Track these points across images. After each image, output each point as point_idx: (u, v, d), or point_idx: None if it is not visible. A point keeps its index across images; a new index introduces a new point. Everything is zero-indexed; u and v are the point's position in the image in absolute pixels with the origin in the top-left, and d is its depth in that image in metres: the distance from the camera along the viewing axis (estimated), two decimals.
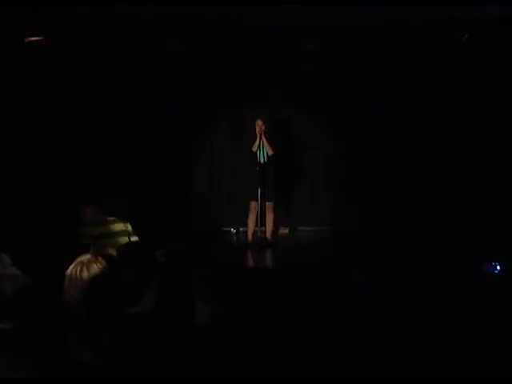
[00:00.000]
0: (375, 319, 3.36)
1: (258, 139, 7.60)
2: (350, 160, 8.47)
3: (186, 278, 3.31)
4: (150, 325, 2.66)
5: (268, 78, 8.22)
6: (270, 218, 7.73)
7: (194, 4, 7.00)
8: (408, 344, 3.15)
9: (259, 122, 7.62)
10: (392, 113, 8.00)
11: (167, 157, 8.19)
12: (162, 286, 3.01)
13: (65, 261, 2.66)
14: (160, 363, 2.48)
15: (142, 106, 7.95)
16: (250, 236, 7.80)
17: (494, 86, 7.57)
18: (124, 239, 4.89)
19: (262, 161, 7.59)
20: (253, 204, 7.65)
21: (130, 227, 5.12)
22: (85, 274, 2.54)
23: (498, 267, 4.90)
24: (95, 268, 2.57)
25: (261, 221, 7.58)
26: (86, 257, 2.62)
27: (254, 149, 7.60)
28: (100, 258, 2.62)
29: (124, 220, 5.14)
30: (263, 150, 7.59)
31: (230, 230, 8.69)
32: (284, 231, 8.77)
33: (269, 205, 7.69)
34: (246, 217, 7.72)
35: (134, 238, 5.03)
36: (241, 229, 8.48)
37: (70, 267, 2.57)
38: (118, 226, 5.07)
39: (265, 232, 7.74)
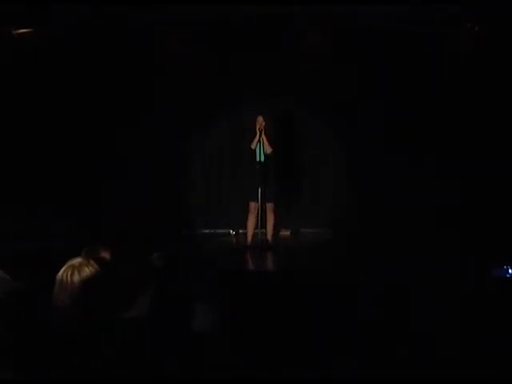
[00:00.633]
0: (379, 323, 3.32)
1: (257, 136, 7.39)
2: (354, 159, 8.39)
3: (184, 281, 3.24)
4: (145, 330, 2.58)
5: (268, 76, 8.17)
6: (270, 220, 7.52)
7: (194, 4, 7.03)
8: (414, 346, 3.13)
9: (260, 119, 7.42)
10: (395, 112, 7.96)
11: (164, 157, 8.11)
12: (157, 291, 2.93)
13: (55, 264, 2.58)
14: (156, 370, 2.42)
15: (140, 106, 7.92)
16: (249, 238, 7.57)
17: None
18: None
19: (259, 159, 7.36)
20: (252, 205, 7.43)
21: None
22: (76, 278, 2.46)
23: (511, 270, 4.83)
24: (87, 272, 2.49)
25: (261, 222, 7.34)
26: (77, 260, 2.54)
27: (253, 146, 7.39)
28: (92, 262, 2.54)
29: None
30: (262, 148, 7.38)
31: (230, 232, 8.53)
32: (285, 233, 8.59)
33: (269, 206, 7.46)
34: (246, 218, 7.52)
35: None
36: (240, 230, 8.30)
37: (61, 271, 2.50)
38: None
39: (265, 234, 7.52)
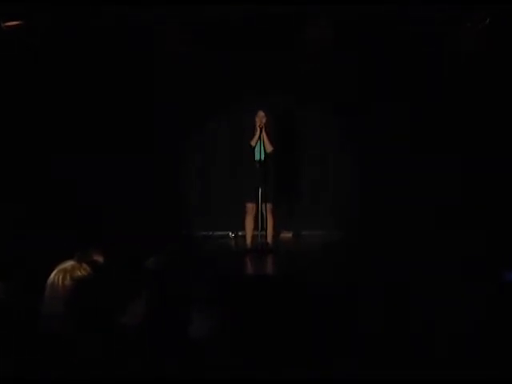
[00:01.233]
0: (380, 327, 3.30)
1: (258, 133, 7.13)
2: (356, 159, 8.36)
3: (180, 287, 3.18)
4: (138, 337, 2.51)
5: (268, 75, 8.14)
6: (269, 221, 7.25)
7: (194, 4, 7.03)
8: (415, 347, 3.13)
9: (260, 114, 7.19)
10: (395, 112, 7.94)
11: (164, 157, 8.09)
12: (152, 296, 2.85)
13: (45, 268, 2.51)
14: (152, 375, 2.37)
15: (139, 105, 7.90)
16: (248, 241, 7.36)
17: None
18: None
19: (259, 157, 7.12)
20: (249, 206, 7.21)
21: None
22: (68, 282, 2.39)
23: None
24: (79, 275, 2.42)
25: (261, 224, 7.15)
26: (69, 263, 2.47)
27: (253, 143, 7.14)
28: (84, 265, 2.47)
29: None
30: (262, 146, 7.14)
31: (228, 234, 8.38)
32: (287, 235, 8.40)
33: (268, 206, 7.21)
34: (243, 220, 7.31)
35: None
36: (239, 233, 8.10)
37: (52, 275, 2.43)
38: None
39: (265, 236, 7.26)
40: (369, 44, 7.75)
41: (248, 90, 8.16)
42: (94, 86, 7.65)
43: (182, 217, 8.25)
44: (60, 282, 2.40)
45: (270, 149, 7.16)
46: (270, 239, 7.30)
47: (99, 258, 3.17)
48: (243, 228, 7.44)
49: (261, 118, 7.15)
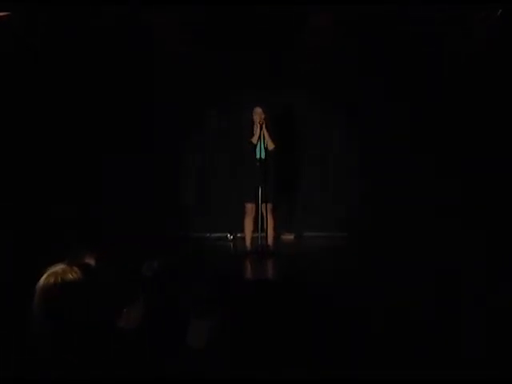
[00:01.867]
0: (382, 332, 3.28)
1: (258, 130, 6.93)
2: (357, 159, 8.31)
3: (176, 292, 3.12)
4: (134, 343, 2.46)
5: (268, 75, 8.13)
6: (269, 222, 7.02)
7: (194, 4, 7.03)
8: (415, 347, 3.12)
9: (258, 110, 7.00)
10: (395, 112, 7.92)
11: (160, 157, 8.04)
12: (148, 302, 2.79)
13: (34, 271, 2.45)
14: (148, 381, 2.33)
15: (136, 105, 7.89)
16: (248, 243, 7.17)
17: None
18: None
19: (260, 156, 6.92)
20: (249, 206, 7.02)
21: None
22: (59, 287, 2.32)
23: None
24: (71, 279, 2.35)
25: (261, 225, 6.93)
26: (60, 266, 2.39)
27: (255, 141, 6.92)
28: (76, 269, 2.41)
29: None
30: (263, 144, 6.94)
31: (227, 236, 8.24)
32: (288, 237, 8.25)
33: (269, 207, 6.99)
34: (243, 221, 7.13)
35: None
36: (238, 234, 7.94)
37: (42, 278, 2.36)
38: None
39: (265, 238, 7.02)
40: (369, 44, 7.74)
41: (248, 90, 8.14)
42: (93, 86, 7.65)
43: (181, 217, 8.22)
44: (52, 285, 2.34)
45: (272, 146, 7.02)
46: (270, 241, 7.11)
47: (91, 261, 3.10)
48: (242, 229, 7.27)
49: (259, 114, 6.98)
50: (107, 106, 7.77)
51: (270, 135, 6.99)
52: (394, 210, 7.77)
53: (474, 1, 7.11)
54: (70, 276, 2.36)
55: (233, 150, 8.07)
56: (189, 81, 8.05)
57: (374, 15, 7.41)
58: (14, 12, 6.86)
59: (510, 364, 2.98)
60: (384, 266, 5.83)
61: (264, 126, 6.94)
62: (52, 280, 2.34)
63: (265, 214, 7.01)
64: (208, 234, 8.24)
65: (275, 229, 7.21)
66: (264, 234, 7.00)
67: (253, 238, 7.11)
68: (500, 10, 7.06)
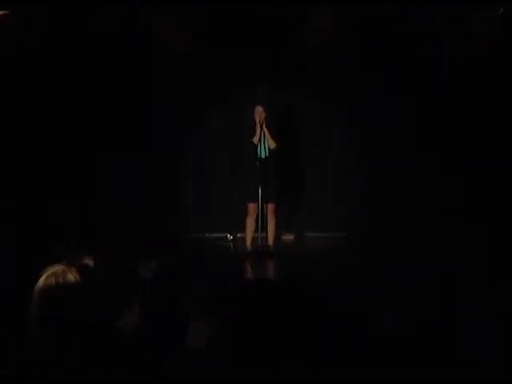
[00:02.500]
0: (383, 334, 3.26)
1: (258, 130, 6.83)
2: (357, 159, 8.28)
3: (175, 293, 3.09)
4: (133, 344, 2.44)
5: (268, 75, 8.12)
6: (271, 222, 6.95)
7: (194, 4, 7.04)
8: (414, 348, 3.11)
9: (259, 109, 6.92)
10: (395, 112, 7.92)
11: (160, 157, 8.01)
12: (146, 303, 2.77)
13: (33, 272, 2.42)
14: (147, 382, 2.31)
15: (136, 105, 7.88)
16: (248, 243, 7.08)
17: None
18: None
19: (262, 155, 6.83)
20: (251, 206, 6.93)
21: None
22: (58, 288, 2.30)
23: None
24: (72, 280, 2.33)
25: (261, 226, 6.86)
26: (59, 267, 2.38)
27: (256, 141, 6.83)
28: (74, 269, 2.39)
29: None
30: (264, 143, 6.85)
31: (226, 236, 8.19)
32: (288, 237, 8.20)
33: (270, 207, 6.92)
34: (244, 221, 7.05)
35: None
36: (238, 234, 7.89)
37: (41, 279, 2.34)
38: None
39: (266, 238, 6.95)
40: (369, 44, 7.75)
41: (248, 90, 8.13)
42: (93, 86, 7.64)
43: (181, 217, 8.21)
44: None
45: (273, 145, 6.94)
46: (271, 241, 7.04)
47: (89, 262, 3.08)
48: (243, 229, 7.20)
49: (260, 113, 6.91)
50: (107, 106, 7.76)
51: (270, 134, 6.94)
52: (394, 209, 7.76)
53: (474, 1, 7.11)
54: (68, 277, 2.34)
55: (233, 150, 8.03)
56: (189, 81, 8.04)
57: (374, 15, 7.42)
58: (14, 12, 6.86)
59: (510, 364, 2.99)
60: (384, 266, 5.82)
61: (264, 125, 6.88)
62: (50, 281, 2.32)
63: (266, 215, 6.95)
64: (208, 234, 8.21)
65: (276, 229, 7.16)
66: (265, 235, 6.95)
67: (253, 239, 7.06)
68: (501, 9, 7.06)
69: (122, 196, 7.65)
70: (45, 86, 7.45)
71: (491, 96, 7.59)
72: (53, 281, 2.32)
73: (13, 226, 6.66)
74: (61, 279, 2.32)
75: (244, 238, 7.26)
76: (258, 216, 6.92)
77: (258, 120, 6.91)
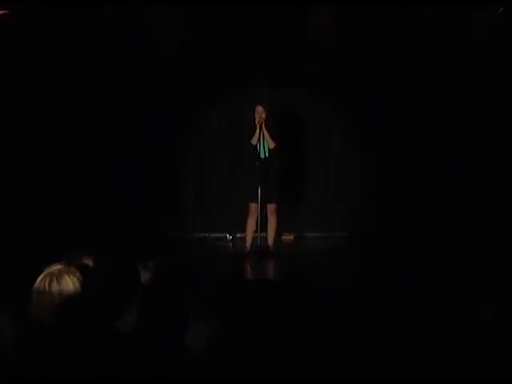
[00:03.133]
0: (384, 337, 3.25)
1: (257, 130, 6.77)
2: (358, 159, 8.26)
3: (174, 293, 3.08)
4: (131, 345, 2.41)
5: (268, 74, 8.10)
6: (271, 222, 6.89)
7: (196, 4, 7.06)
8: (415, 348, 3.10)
9: (259, 109, 6.87)
10: (395, 112, 7.90)
11: (160, 157, 7.99)
12: (144, 304, 2.74)
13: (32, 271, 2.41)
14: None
15: (136, 105, 7.86)
16: (248, 243, 7.01)
17: None
18: None
19: (262, 155, 6.77)
20: (253, 206, 6.83)
21: None
22: (55, 287, 2.30)
23: None
24: (67, 280, 2.32)
25: (261, 226, 6.79)
26: (56, 267, 2.36)
27: (254, 142, 6.77)
28: (73, 269, 2.37)
29: None
30: (264, 143, 6.79)
31: (226, 236, 8.15)
32: (288, 237, 8.15)
33: (270, 207, 6.86)
34: (244, 221, 7.00)
35: None
36: (238, 234, 7.87)
37: (38, 279, 2.32)
38: None
39: (266, 238, 6.91)
40: (369, 44, 7.74)
41: (248, 90, 8.12)
42: (93, 86, 7.64)
43: (181, 217, 8.20)
44: (47, 286, 2.31)
45: (272, 145, 6.88)
46: (270, 241, 7.00)
47: (89, 262, 3.05)
48: (243, 229, 7.17)
49: (260, 113, 6.87)
50: (107, 106, 7.76)
51: (269, 134, 6.89)
52: (394, 209, 7.76)
53: (474, 1, 7.11)
54: (66, 277, 2.33)
55: (233, 150, 8.02)
56: (189, 81, 8.03)
57: (374, 15, 7.42)
58: (14, 11, 6.87)
59: (510, 364, 2.98)
60: (384, 266, 5.82)
61: (263, 125, 6.84)
62: (47, 281, 2.30)
63: (268, 215, 6.91)
64: (207, 234, 8.19)
65: (277, 229, 7.13)
66: (264, 234, 6.92)
67: (253, 239, 7.01)
68: (501, 9, 7.05)
69: (122, 196, 7.64)
70: (45, 86, 7.45)
71: (491, 96, 7.59)
72: (47, 281, 2.31)
73: (13, 225, 6.66)
74: (55, 280, 2.31)
75: (244, 238, 7.23)
76: (258, 216, 6.88)
77: (257, 120, 6.89)
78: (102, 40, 7.53)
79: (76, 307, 2.29)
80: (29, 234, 6.52)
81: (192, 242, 7.92)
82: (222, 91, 8.14)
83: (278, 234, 7.35)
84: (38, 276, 2.37)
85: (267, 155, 6.88)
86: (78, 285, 2.37)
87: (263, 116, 6.90)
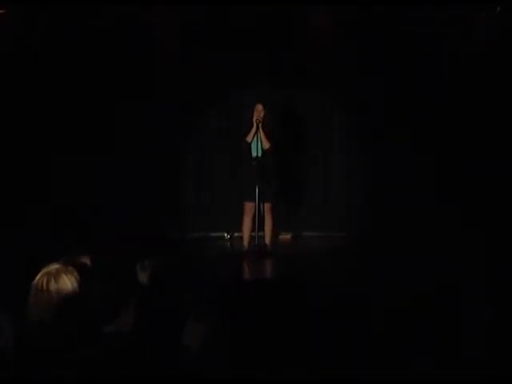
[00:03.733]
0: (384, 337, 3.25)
1: (254, 128, 6.79)
2: (357, 159, 8.25)
3: (173, 293, 3.07)
4: (127, 347, 2.39)
5: (268, 74, 8.10)
6: (268, 222, 6.87)
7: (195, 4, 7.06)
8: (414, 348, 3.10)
9: (259, 108, 6.88)
10: (395, 112, 7.90)
11: (159, 157, 7.98)
12: (142, 303, 2.74)
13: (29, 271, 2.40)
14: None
15: (136, 105, 7.85)
16: (245, 242, 7.05)
17: None
18: None
19: (254, 154, 6.78)
20: (248, 206, 6.90)
21: None
22: (53, 287, 2.28)
23: None
24: (65, 279, 2.31)
25: (259, 225, 6.79)
26: (54, 266, 2.35)
27: (249, 139, 6.80)
28: (71, 268, 2.36)
29: None
30: (258, 142, 6.77)
31: (224, 236, 8.13)
32: (286, 237, 8.16)
33: (266, 206, 6.85)
34: (241, 220, 7.01)
35: None
36: (236, 234, 7.84)
37: (36, 278, 2.31)
38: None
39: (263, 238, 6.90)
40: (369, 44, 7.74)
41: (248, 90, 8.12)
42: (93, 86, 7.64)
43: (181, 217, 8.19)
44: (44, 286, 2.30)
45: (267, 145, 6.87)
46: (268, 241, 6.99)
47: (87, 261, 3.03)
48: (240, 229, 7.19)
49: (259, 111, 6.88)
50: (107, 106, 7.76)
51: (266, 134, 6.88)
52: (395, 209, 7.76)
53: (474, 1, 7.11)
54: (64, 276, 2.32)
55: (233, 150, 8.02)
56: (189, 81, 8.03)
57: (374, 15, 7.42)
58: (14, 11, 6.87)
59: (510, 364, 2.98)
60: (383, 266, 5.82)
61: (260, 124, 6.82)
62: (45, 280, 2.30)
63: (263, 214, 6.89)
64: (206, 234, 8.17)
65: (273, 228, 7.12)
66: (262, 234, 6.91)
67: (250, 238, 7.02)
68: (498, 8, 7.06)
69: (122, 196, 7.64)
70: (45, 86, 7.45)
71: (491, 96, 7.59)
72: (45, 280, 2.30)
73: (12, 225, 6.66)
74: (53, 279, 2.30)
75: (241, 238, 7.22)
76: (255, 215, 6.88)
77: (255, 118, 6.88)
78: (101, 40, 7.52)
79: (74, 307, 2.29)
80: (27, 233, 6.50)
81: (191, 242, 7.92)
82: (221, 91, 8.14)
83: (275, 233, 7.34)
84: (36, 275, 2.36)
85: (259, 155, 6.82)
86: (75, 284, 2.36)
87: (261, 115, 6.89)
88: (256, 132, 6.83)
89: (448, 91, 7.73)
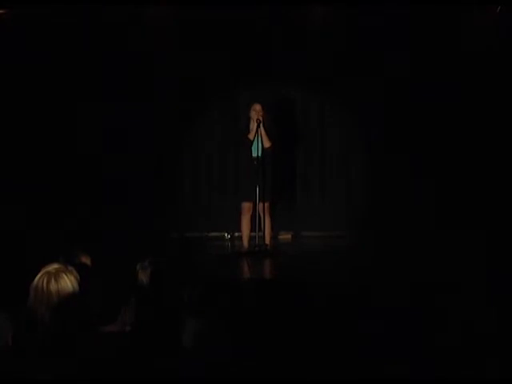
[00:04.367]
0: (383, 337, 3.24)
1: (255, 127, 6.80)
2: (357, 158, 8.26)
3: (172, 293, 3.06)
4: (127, 346, 2.39)
5: (269, 74, 8.10)
6: (266, 221, 6.81)
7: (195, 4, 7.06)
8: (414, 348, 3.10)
9: (257, 107, 6.86)
10: (395, 112, 7.90)
11: (159, 156, 8.00)
12: (142, 303, 2.71)
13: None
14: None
15: (136, 105, 7.84)
16: (245, 242, 7.01)
17: None
18: None
19: (255, 154, 6.78)
20: (246, 205, 6.89)
21: None
22: (53, 287, 2.29)
23: None
24: (65, 279, 2.31)
25: (259, 224, 6.76)
26: (54, 266, 2.36)
27: (251, 137, 6.79)
28: (71, 268, 2.36)
29: None
30: (259, 141, 6.74)
31: (224, 235, 8.12)
32: (286, 236, 8.13)
33: (265, 206, 6.81)
34: (240, 220, 6.99)
35: None
36: (236, 233, 7.82)
37: (36, 278, 2.32)
38: None
39: (263, 237, 6.83)
40: (368, 43, 7.74)
41: (247, 90, 8.12)
42: (93, 87, 7.64)
43: (180, 217, 8.18)
44: (44, 286, 2.30)
45: (267, 144, 6.85)
46: (267, 240, 6.94)
47: (87, 261, 3.04)
48: (239, 229, 7.16)
49: (258, 111, 6.84)
50: (107, 106, 7.76)
51: (266, 133, 6.88)
52: (394, 209, 7.76)
53: (474, 1, 7.12)
54: (64, 276, 2.31)
55: (232, 149, 8.04)
56: (189, 81, 8.03)
57: (375, 15, 7.42)
58: (14, 11, 6.87)
59: (510, 364, 2.98)
60: (384, 266, 5.82)
61: (261, 123, 6.81)
62: (45, 280, 2.29)
63: (262, 213, 6.86)
64: (206, 234, 8.14)
65: (272, 228, 7.11)
66: (261, 233, 6.85)
67: (250, 237, 7.00)
68: (499, 7, 7.06)
69: (122, 195, 7.64)
70: (45, 86, 7.45)
71: (492, 96, 7.59)
72: (45, 280, 2.29)
73: (12, 225, 6.66)
74: (53, 279, 2.29)
75: (241, 237, 7.20)
76: (253, 215, 6.86)
77: (254, 118, 6.88)
78: (102, 40, 7.53)
79: (74, 307, 2.29)
80: (27, 233, 6.51)
81: (190, 242, 7.92)
82: (221, 91, 8.14)
83: (273, 233, 7.33)
84: (36, 275, 2.36)
85: (259, 154, 6.81)
86: (75, 284, 2.36)
87: (261, 114, 6.87)
88: (256, 132, 6.84)
89: (448, 91, 7.73)
